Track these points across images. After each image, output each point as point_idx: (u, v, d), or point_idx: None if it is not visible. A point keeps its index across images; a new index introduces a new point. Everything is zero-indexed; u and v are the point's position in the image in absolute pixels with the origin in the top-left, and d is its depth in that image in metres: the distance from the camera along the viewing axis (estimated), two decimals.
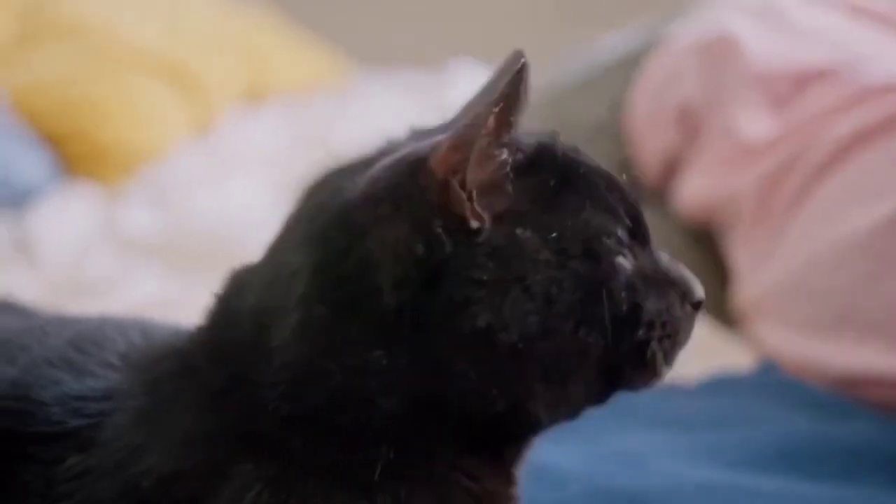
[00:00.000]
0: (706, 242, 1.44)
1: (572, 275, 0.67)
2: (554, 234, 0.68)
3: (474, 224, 0.67)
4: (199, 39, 2.32)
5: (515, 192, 0.68)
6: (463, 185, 0.67)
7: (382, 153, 0.72)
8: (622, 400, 0.73)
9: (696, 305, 0.73)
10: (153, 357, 0.75)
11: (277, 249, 0.73)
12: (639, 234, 0.72)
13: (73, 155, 1.94)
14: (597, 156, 1.49)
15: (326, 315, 0.68)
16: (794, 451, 1.03)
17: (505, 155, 0.68)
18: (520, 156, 0.69)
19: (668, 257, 0.73)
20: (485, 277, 0.66)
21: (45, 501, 0.71)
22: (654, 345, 0.70)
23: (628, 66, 1.59)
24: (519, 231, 0.68)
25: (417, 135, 0.74)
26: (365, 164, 0.71)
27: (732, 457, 1.02)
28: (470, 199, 0.67)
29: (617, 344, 0.69)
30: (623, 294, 0.69)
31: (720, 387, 1.19)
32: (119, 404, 0.72)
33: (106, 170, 1.95)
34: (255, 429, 0.69)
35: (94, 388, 0.73)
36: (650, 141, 1.52)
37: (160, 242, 1.69)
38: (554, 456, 0.97)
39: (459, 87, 2.01)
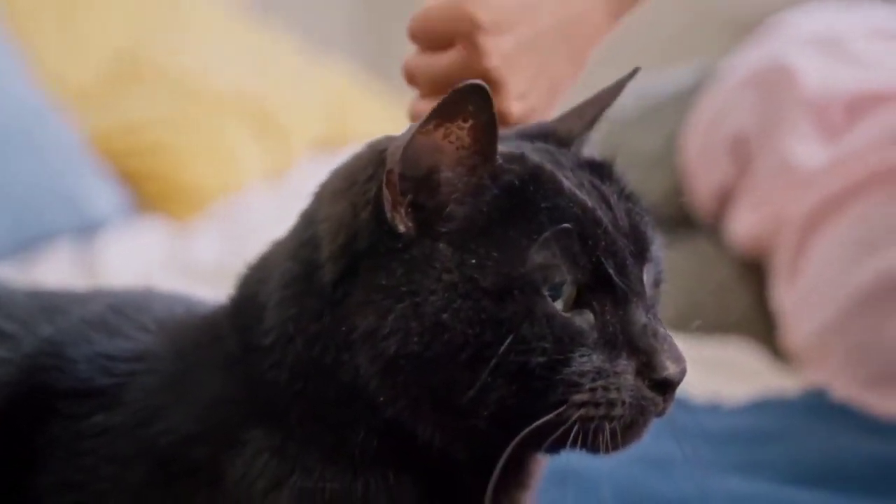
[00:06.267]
0: (759, 275, 1.42)
1: (475, 307, 0.62)
2: (474, 261, 0.63)
3: (400, 228, 0.65)
4: (282, 87, 2.38)
5: (459, 210, 0.65)
6: (397, 188, 0.64)
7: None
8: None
9: (659, 385, 0.64)
10: (188, 325, 0.78)
11: None
12: (612, 289, 0.64)
13: (148, 193, 1.99)
14: (652, 186, 1.51)
15: (297, 271, 0.69)
16: (838, 469, 1.00)
17: (462, 171, 0.64)
18: (485, 177, 0.65)
19: (658, 327, 0.65)
20: (384, 283, 0.64)
21: (70, 455, 0.73)
22: (569, 410, 0.63)
23: (685, 98, 1.59)
24: (441, 246, 0.64)
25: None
26: None
27: (772, 471, 1.00)
28: (398, 204, 0.65)
29: (526, 395, 0.63)
30: (539, 344, 0.62)
31: (766, 406, 1.17)
32: (149, 366, 0.75)
33: (179, 208, 2.00)
34: (262, 396, 0.69)
35: (124, 349, 0.75)
36: (704, 172, 1.52)
37: (223, 274, 1.71)
38: (585, 459, 0.96)
39: None
